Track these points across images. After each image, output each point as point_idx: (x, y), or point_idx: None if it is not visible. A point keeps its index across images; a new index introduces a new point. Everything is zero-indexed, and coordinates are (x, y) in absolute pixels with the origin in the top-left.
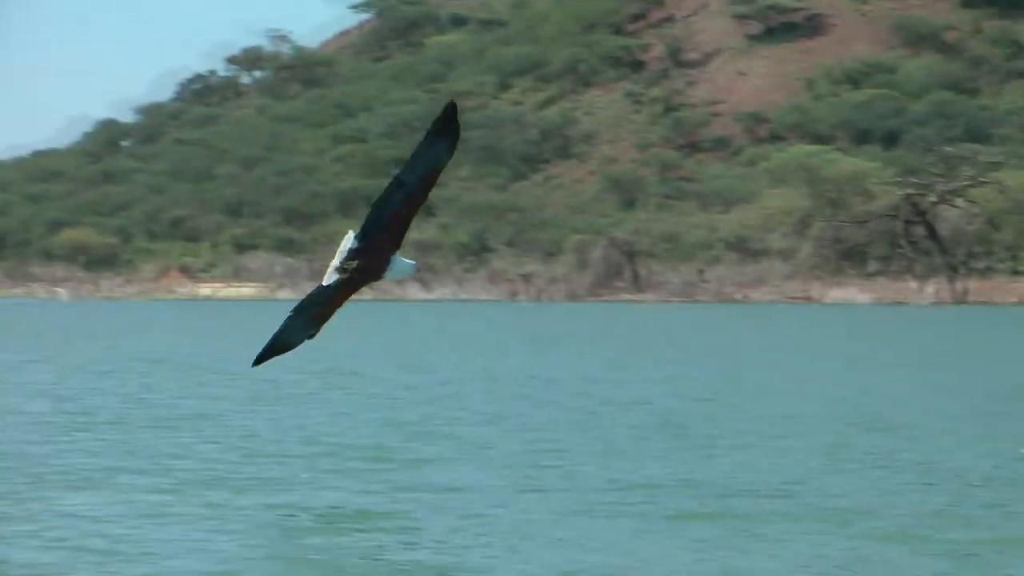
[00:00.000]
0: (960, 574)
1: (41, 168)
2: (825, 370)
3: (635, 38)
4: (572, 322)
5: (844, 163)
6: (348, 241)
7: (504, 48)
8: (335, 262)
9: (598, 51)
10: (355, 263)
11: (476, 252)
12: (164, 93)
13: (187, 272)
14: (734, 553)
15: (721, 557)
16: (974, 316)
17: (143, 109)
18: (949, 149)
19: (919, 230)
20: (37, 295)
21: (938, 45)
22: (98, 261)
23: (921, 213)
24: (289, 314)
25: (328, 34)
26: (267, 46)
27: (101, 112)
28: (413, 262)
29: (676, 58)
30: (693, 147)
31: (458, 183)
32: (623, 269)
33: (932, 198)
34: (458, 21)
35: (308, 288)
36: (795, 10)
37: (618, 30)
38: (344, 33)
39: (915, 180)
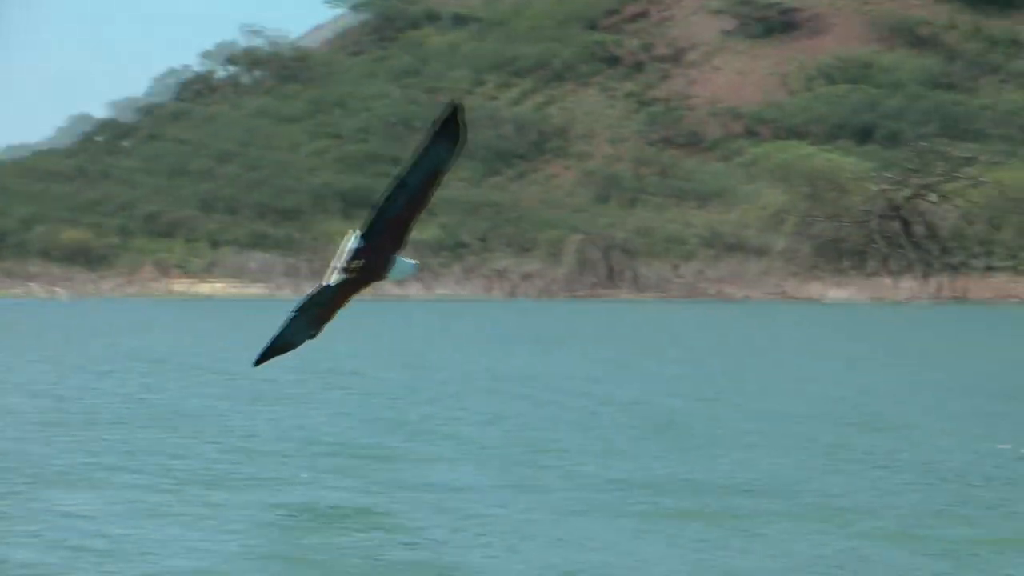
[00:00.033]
0: (960, 574)
1: (40, 168)
2: (825, 369)
3: (610, 33)
4: (571, 321)
5: (819, 158)
6: (351, 241)
7: (479, 43)
8: (338, 262)
9: (573, 46)
10: (358, 263)
11: (450, 247)
12: (164, 93)
13: (186, 271)
14: (734, 553)
15: (721, 557)
16: (974, 315)
17: (142, 109)
18: (924, 144)
19: (918, 229)
20: (36, 294)
21: (913, 40)
22: (97, 260)
23: (920, 212)
24: (291, 314)
25: (303, 29)
26: (242, 41)
27: (101, 112)
28: (415, 262)
29: (651, 53)
30: (668, 142)
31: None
32: (598, 264)
33: (931, 197)
34: (433, 16)
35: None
36: (770, 5)
37: (593, 25)
38: (319, 28)
39: (915, 179)
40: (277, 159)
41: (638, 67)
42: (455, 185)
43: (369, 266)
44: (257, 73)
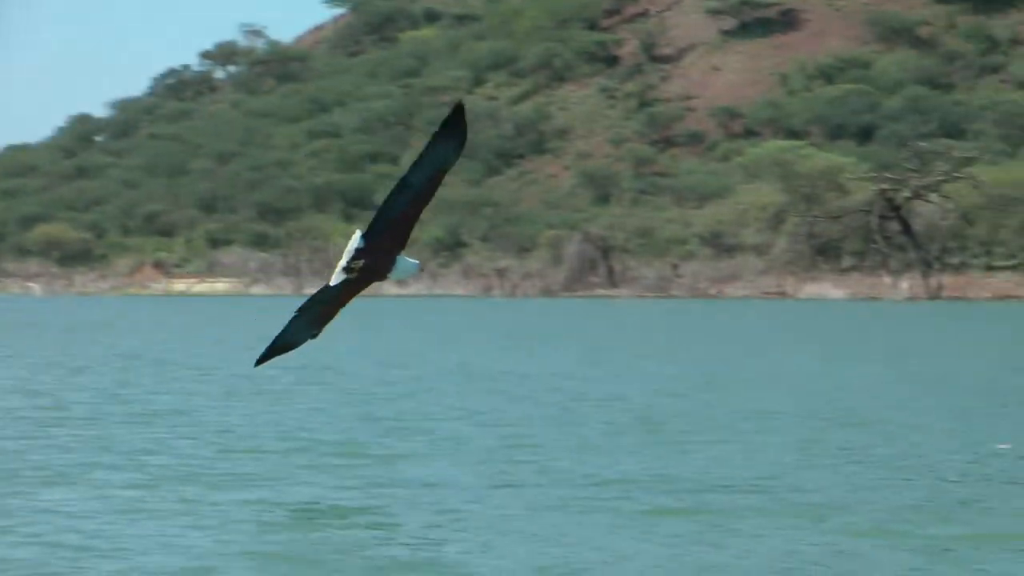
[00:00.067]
0: (936, 570)
1: (15, 163)
2: (800, 365)
3: (609, 33)
4: (547, 317)
5: (818, 158)
6: (354, 241)
7: (478, 43)
8: (342, 262)
9: (572, 46)
10: (361, 263)
11: (450, 247)
12: (138, 89)
13: (161, 267)
14: (708, 548)
15: (695, 552)
16: (948, 311)
17: (116, 104)
18: (923, 144)
19: (893, 225)
20: (10, 290)
21: (912, 40)
22: (72, 256)
23: (895, 208)
24: (294, 314)
25: (302, 29)
26: (241, 41)
27: (101, 113)
28: (417, 261)
29: (650, 53)
30: (667, 142)
31: None
32: (597, 264)
33: (906, 193)
34: (432, 16)
35: (283, 283)
36: (769, 5)
37: (592, 25)
38: (318, 28)
39: (889, 175)
40: (272, 158)
41: (636, 67)
42: (450, 183)
43: (372, 266)
44: (254, 72)
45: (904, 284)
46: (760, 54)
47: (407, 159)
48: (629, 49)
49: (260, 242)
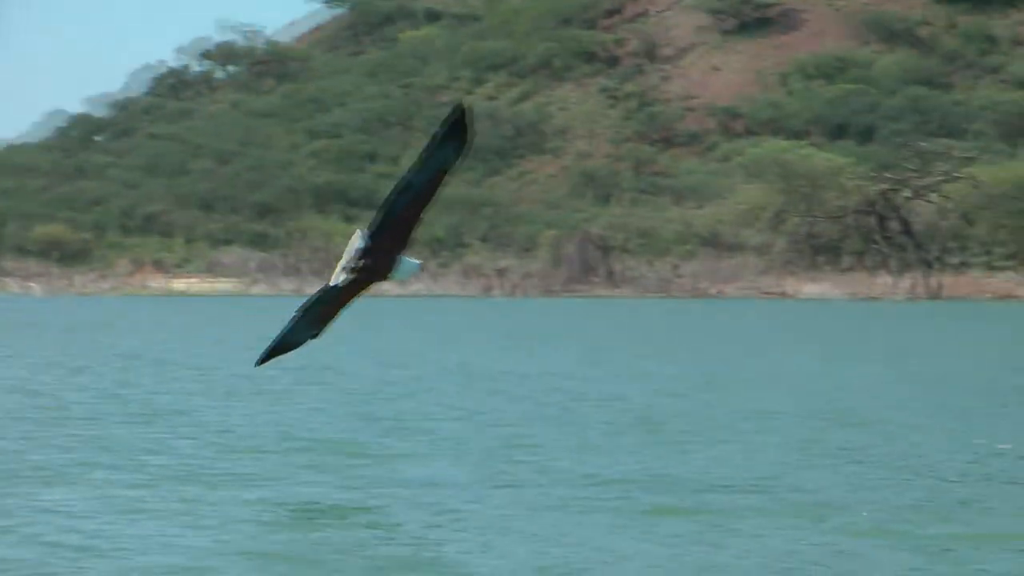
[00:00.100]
0: (935, 570)
1: (14, 163)
2: (800, 365)
3: (609, 33)
4: (547, 317)
5: (818, 158)
6: (357, 240)
7: (478, 43)
8: (343, 262)
9: (572, 46)
10: (363, 263)
11: (450, 247)
12: (138, 89)
13: (161, 267)
14: (708, 548)
15: (695, 552)
16: (949, 311)
17: (117, 104)
18: (923, 144)
19: (894, 225)
20: (10, 290)
21: (912, 40)
22: (72, 256)
23: (895, 208)
24: (295, 314)
25: (302, 29)
26: (241, 41)
27: (75, 108)
28: (418, 261)
29: (650, 53)
30: (667, 142)
31: None
32: (598, 264)
33: (906, 193)
34: (432, 16)
35: (283, 283)
36: (769, 5)
37: (592, 25)
38: (318, 28)
39: (889, 175)
40: (272, 158)
41: (638, 68)
42: (450, 183)
43: (374, 266)
44: (254, 73)
45: (904, 284)
46: (760, 54)
47: (407, 159)
48: (629, 49)
49: (260, 242)
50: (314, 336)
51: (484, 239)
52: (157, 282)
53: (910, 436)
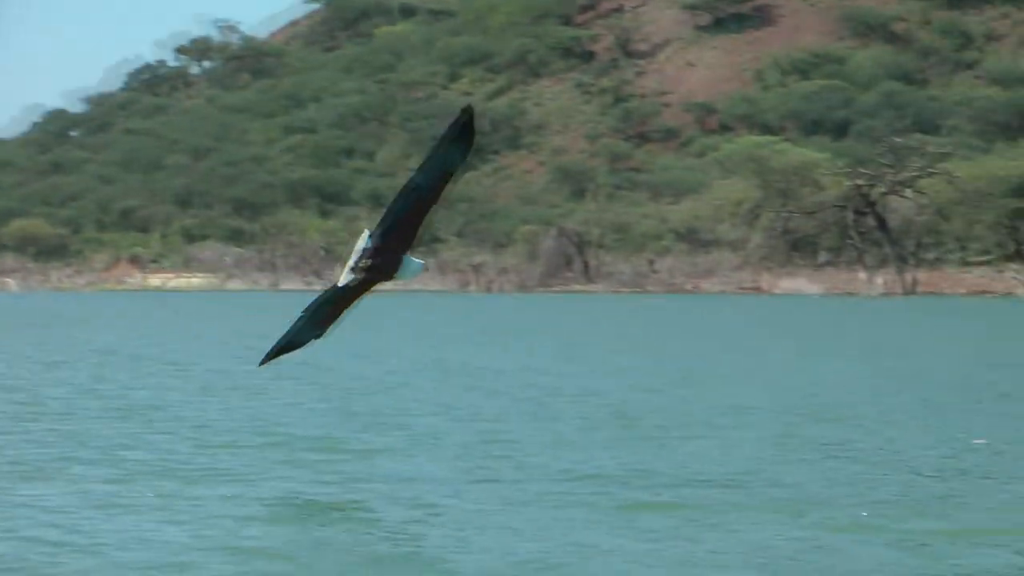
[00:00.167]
0: (912, 564)
1: None
2: (776, 360)
3: (584, 28)
4: (523, 313)
5: (793, 153)
6: (363, 241)
7: (453, 38)
8: (350, 262)
9: (547, 41)
10: (369, 263)
11: (426, 243)
12: (115, 83)
13: (137, 263)
14: (685, 543)
15: (672, 547)
16: (924, 307)
17: (92, 99)
18: (898, 140)
19: (869, 221)
20: None
21: (887, 36)
22: (48, 251)
23: (870, 204)
24: (301, 314)
25: (277, 24)
26: (216, 36)
27: (53, 103)
28: (422, 261)
29: (625, 48)
30: (643, 137)
31: (408, 174)
32: (573, 260)
33: (881, 189)
34: (407, 11)
35: (258, 278)
36: (743, 1)
37: (567, 20)
38: (293, 23)
39: (864, 171)
40: (247, 153)
41: (612, 63)
42: None
43: (380, 266)
44: (229, 68)
45: (879, 280)
46: (735, 50)
47: (382, 154)
48: (604, 45)
49: (236, 237)
50: (319, 336)
51: (460, 235)
52: (133, 277)
53: (887, 431)
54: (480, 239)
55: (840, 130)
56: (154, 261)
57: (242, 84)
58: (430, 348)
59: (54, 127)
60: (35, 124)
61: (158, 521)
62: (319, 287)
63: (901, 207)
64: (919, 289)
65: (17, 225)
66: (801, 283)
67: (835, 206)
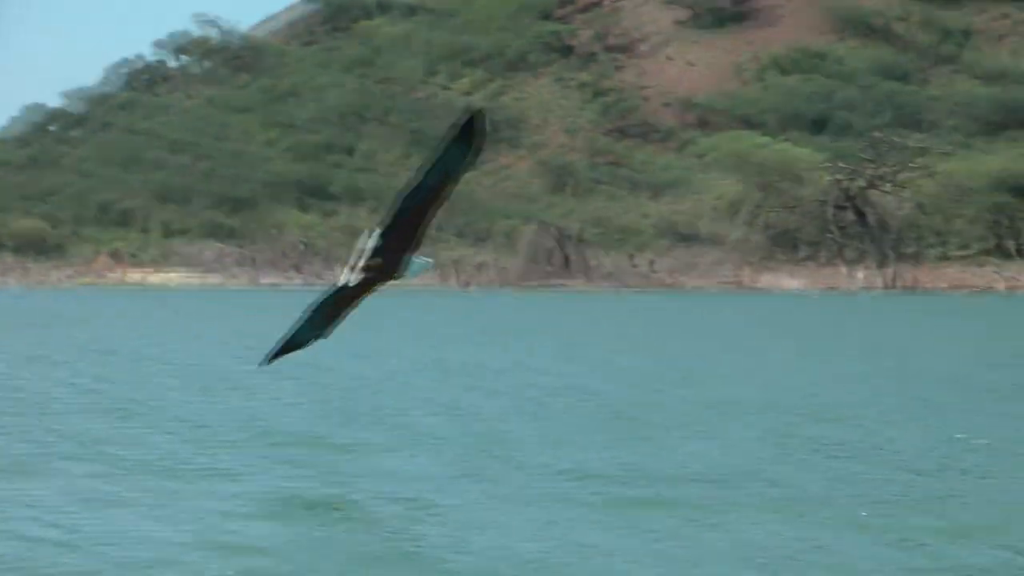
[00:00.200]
0: (911, 562)
1: None
2: (760, 357)
3: (564, 23)
4: (512, 310)
5: (774, 148)
6: (368, 240)
7: (432, 33)
8: (353, 262)
9: (527, 36)
10: (375, 262)
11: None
12: (115, 83)
13: (117, 258)
14: (685, 541)
15: (671, 545)
16: (904, 301)
17: (72, 94)
18: (879, 135)
19: (849, 216)
20: None
21: (868, 31)
22: (28, 246)
23: (851, 198)
24: (304, 313)
25: (256, 19)
26: (196, 31)
27: (53, 102)
28: (430, 260)
29: (605, 43)
30: (623, 132)
31: (387, 169)
32: (554, 254)
33: (862, 183)
34: (386, 6)
35: (238, 273)
36: None
37: (547, 15)
38: (272, 18)
39: (845, 165)
40: (230, 149)
41: (592, 57)
42: (404, 174)
43: (386, 265)
44: (209, 63)
45: (860, 274)
46: (716, 44)
47: (362, 149)
48: (584, 39)
49: (216, 232)
50: (322, 336)
51: (440, 229)
52: (113, 272)
53: (886, 430)
54: (459, 234)
55: (821, 125)
56: (134, 256)
57: (222, 80)
58: (428, 347)
59: (33, 122)
60: (13, 118)
61: (160, 520)
62: (298, 282)
63: (882, 202)
64: (900, 283)
65: (16, 225)
66: (783, 278)
67: (816, 201)
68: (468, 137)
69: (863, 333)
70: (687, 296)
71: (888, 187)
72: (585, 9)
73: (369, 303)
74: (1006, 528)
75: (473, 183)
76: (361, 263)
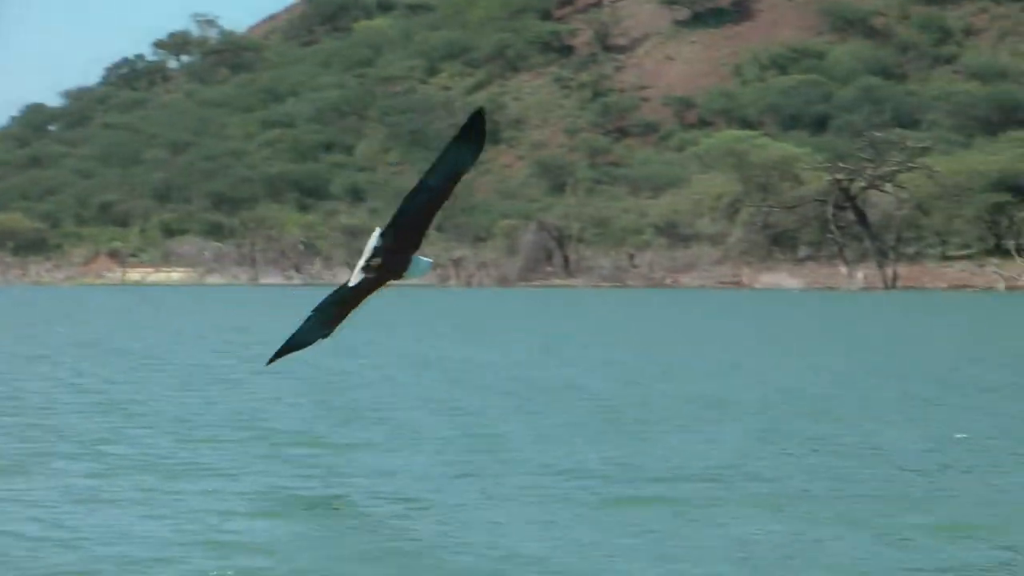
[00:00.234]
0: (894, 558)
1: None
2: (756, 355)
3: (563, 23)
4: (504, 307)
5: (772, 148)
6: (374, 240)
7: (432, 33)
8: (361, 261)
9: (526, 36)
10: (379, 261)
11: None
12: (96, 78)
13: (116, 257)
14: (670, 538)
15: (657, 542)
16: (904, 301)
17: (70, 94)
18: (877, 134)
19: (848, 215)
20: None
21: (866, 30)
22: (27, 246)
23: (850, 198)
24: (309, 314)
25: (255, 18)
26: (194, 30)
27: (35, 97)
28: (431, 260)
29: (604, 43)
30: (622, 132)
31: (387, 168)
32: (553, 254)
33: (861, 183)
34: (385, 6)
35: (237, 272)
36: None
37: (546, 15)
38: (271, 18)
39: (844, 165)
40: (226, 148)
41: (591, 57)
42: (404, 174)
43: (390, 265)
44: (208, 62)
45: (860, 274)
46: (714, 44)
47: (361, 148)
48: (583, 39)
49: (215, 231)
50: (326, 336)
51: (440, 229)
52: (112, 271)
53: (875, 427)
54: (460, 233)
55: (819, 125)
56: (133, 255)
57: (221, 79)
58: (412, 342)
59: (32, 121)
60: (12, 118)
61: (139, 516)
62: (298, 281)
63: (881, 202)
64: (899, 283)
65: None
66: (782, 277)
67: (815, 200)
68: (470, 136)
69: (850, 329)
70: (687, 296)
71: (888, 187)
72: (584, 9)
73: (369, 303)
74: (1004, 527)
75: (471, 183)
76: (367, 263)
